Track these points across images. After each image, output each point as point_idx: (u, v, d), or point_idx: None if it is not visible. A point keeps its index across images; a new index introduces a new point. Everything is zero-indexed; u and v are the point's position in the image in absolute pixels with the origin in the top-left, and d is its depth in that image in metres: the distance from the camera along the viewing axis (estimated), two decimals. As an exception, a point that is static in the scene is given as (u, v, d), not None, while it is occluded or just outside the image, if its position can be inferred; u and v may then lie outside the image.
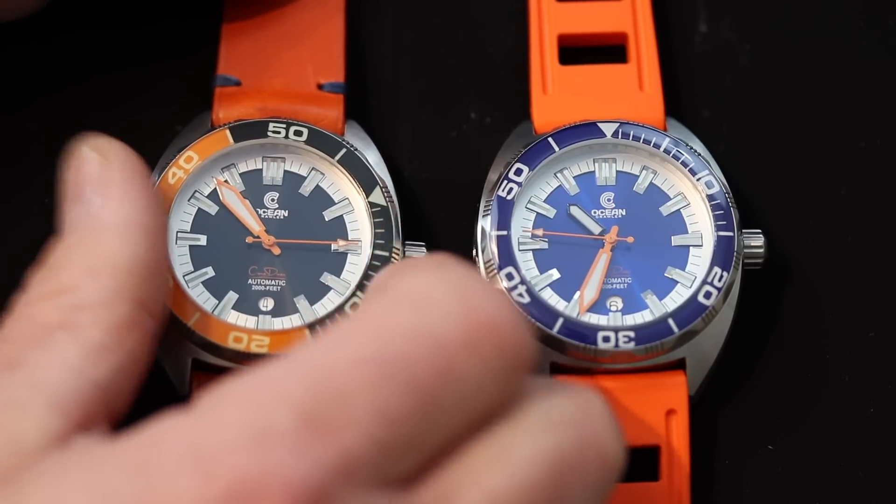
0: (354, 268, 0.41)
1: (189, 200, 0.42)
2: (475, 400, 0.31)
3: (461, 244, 0.43)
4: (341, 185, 0.42)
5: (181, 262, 0.41)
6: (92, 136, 0.37)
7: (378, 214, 0.41)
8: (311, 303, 0.41)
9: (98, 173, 0.36)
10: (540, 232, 0.42)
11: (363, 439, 0.29)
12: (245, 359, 0.40)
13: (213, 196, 0.42)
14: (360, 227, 0.42)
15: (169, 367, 0.40)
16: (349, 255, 0.41)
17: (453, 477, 0.31)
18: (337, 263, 0.41)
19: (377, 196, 0.42)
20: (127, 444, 0.30)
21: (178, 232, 0.41)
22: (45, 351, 0.33)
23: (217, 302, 0.41)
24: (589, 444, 0.32)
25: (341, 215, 0.42)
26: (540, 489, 0.31)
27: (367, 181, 0.42)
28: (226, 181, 0.42)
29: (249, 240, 0.41)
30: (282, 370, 0.30)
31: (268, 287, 0.41)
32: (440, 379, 0.30)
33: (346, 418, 0.29)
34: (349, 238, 0.42)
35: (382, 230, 0.41)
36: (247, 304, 0.41)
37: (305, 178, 0.42)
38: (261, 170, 0.42)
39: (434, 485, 0.31)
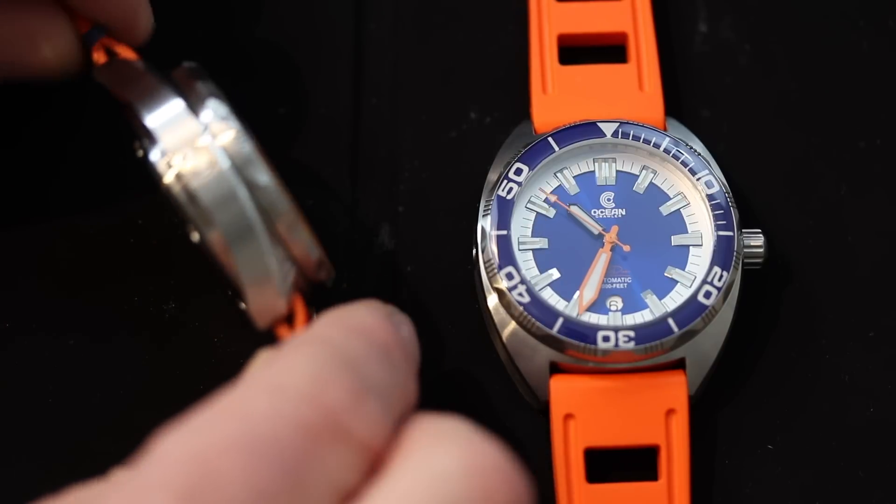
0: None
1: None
2: (339, 471, 0.33)
3: (461, 244, 0.43)
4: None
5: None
6: None
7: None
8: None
9: None
10: (554, 198, 0.42)
11: None
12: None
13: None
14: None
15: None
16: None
17: None
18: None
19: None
20: None
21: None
22: None
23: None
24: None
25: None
26: None
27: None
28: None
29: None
30: (160, 459, 0.32)
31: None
32: (304, 456, 0.32)
33: (224, 500, 0.31)
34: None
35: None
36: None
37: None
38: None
39: None
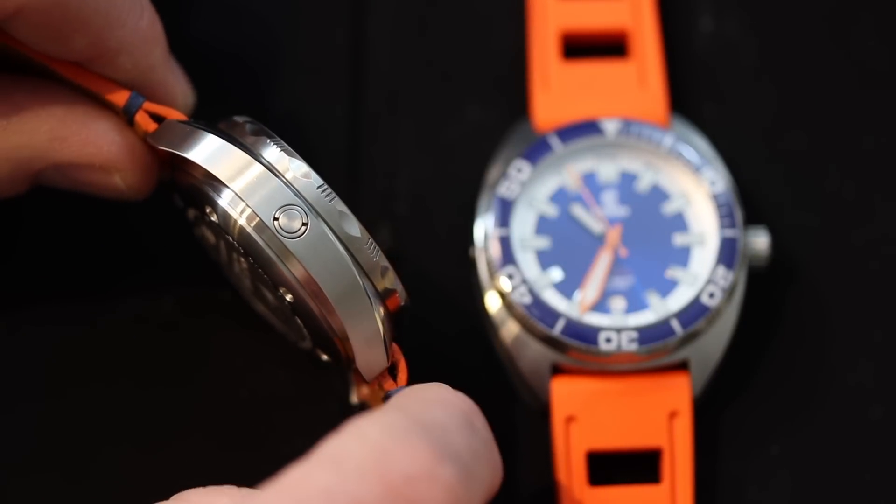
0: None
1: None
2: None
3: (460, 244, 0.43)
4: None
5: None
6: None
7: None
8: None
9: None
10: (577, 182, 0.42)
11: None
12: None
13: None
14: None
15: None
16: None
17: None
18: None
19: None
20: None
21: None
22: None
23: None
24: None
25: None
26: None
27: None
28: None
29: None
30: None
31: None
32: None
33: None
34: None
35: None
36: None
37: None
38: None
39: None
